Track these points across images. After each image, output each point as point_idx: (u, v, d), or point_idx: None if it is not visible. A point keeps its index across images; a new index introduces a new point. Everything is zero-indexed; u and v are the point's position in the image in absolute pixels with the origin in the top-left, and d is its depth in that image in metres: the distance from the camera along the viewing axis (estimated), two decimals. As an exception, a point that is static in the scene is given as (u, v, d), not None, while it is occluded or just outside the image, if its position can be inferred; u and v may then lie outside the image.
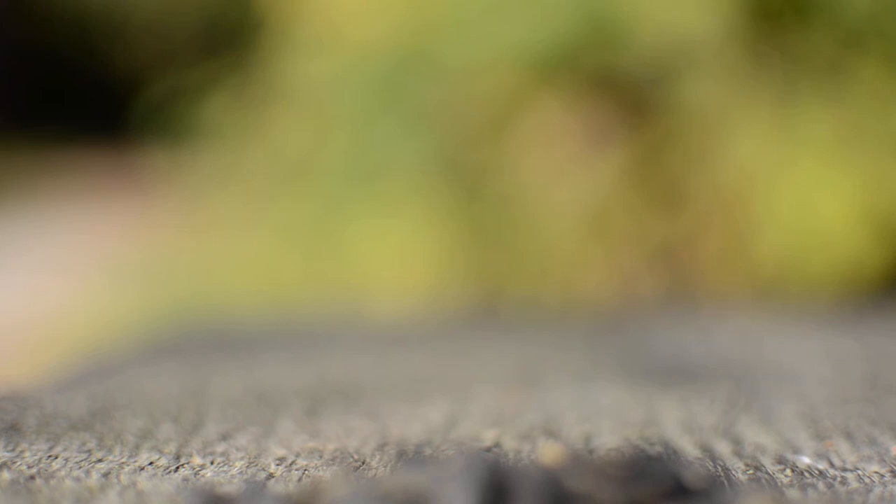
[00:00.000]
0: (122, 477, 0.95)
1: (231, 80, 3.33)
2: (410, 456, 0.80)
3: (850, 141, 2.52)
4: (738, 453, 1.02)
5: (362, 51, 2.84)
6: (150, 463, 0.99)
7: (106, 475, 0.95)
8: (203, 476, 0.96)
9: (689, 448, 0.99)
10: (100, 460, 1.00)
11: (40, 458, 1.00)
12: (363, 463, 1.00)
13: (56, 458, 1.00)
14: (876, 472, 0.95)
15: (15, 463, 0.98)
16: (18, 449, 1.03)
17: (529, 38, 2.60)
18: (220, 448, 1.05)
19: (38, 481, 0.93)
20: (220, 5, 4.91)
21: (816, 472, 0.96)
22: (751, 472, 0.96)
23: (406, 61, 2.76)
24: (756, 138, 2.55)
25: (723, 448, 1.03)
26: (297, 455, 1.03)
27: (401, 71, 2.77)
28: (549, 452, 0.79)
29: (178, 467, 0.98)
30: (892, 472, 0.95)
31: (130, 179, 4.66)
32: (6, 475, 0.94)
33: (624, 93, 2.61)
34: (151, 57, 4.97)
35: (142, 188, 4.28)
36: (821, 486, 0.92)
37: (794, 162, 2.52)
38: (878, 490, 0.90)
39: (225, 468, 0.98)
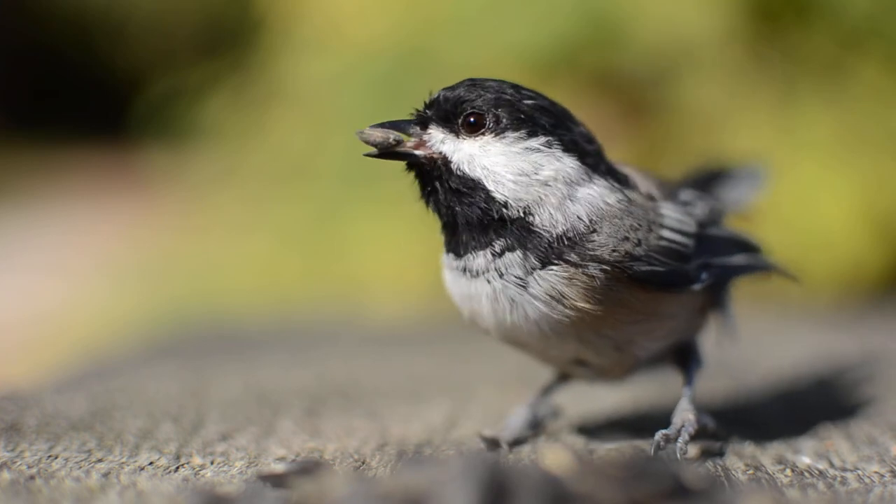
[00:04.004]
0: (122, 477, 0.95)
1: (231, 80, 3.32)
2: (410, 456, 0.80)
3: (850, 142, 2.52)
4: (739, 453, 1.02)
5: (362, 50, 2.84)
6: (150, 463, 0.99)
7: (106, 475, 0.95)
8: (203, 476, 0.96)
9: (689, 448, 0.99)
10: (100, 460, 1.00)
11: (40, 458, 1.00)
12: (363, 463, 1.00)
13: (56, 458, 1.00)
14: (876, 472, 0.95)
15: (15, 463, 0.98)
16: (18, 449, 1.03)
17: (529, 37, 2.60)
18: (220, 448, 1.05)
19: (38, 481, 0.93)
20: (220, 5, 4.91)
21: (816, 472, 0.96)
22: (751, 472, 0.96)
23: (406, 60, 2.76)
24: (756, 138, 2.54)
25: (723, 448, 1.03)
26: (297, 455, 1.03)
27: (400, 70, 2.77)
28: (549, 452, 0.79)
29: (178, 467, 0.98)
30: (892, 472, 0.95)
31: (131, 179, 4.65)
32: (6, 475, 0.94)
33: (624, 92, 2.61)
34: (151, 57, 4.96)
35: (142, 188, 4.27)
36: (821, 486, 0.92)
37: (794, 162, 2.51)
38: (878, 490, 0.90)
39: (225, 468, 0.98)
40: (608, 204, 0.97)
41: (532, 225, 0.95)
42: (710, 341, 1.11)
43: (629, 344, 1.00)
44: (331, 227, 2.85)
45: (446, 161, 0.97)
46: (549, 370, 1.11)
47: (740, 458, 1.00)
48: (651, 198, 1.01)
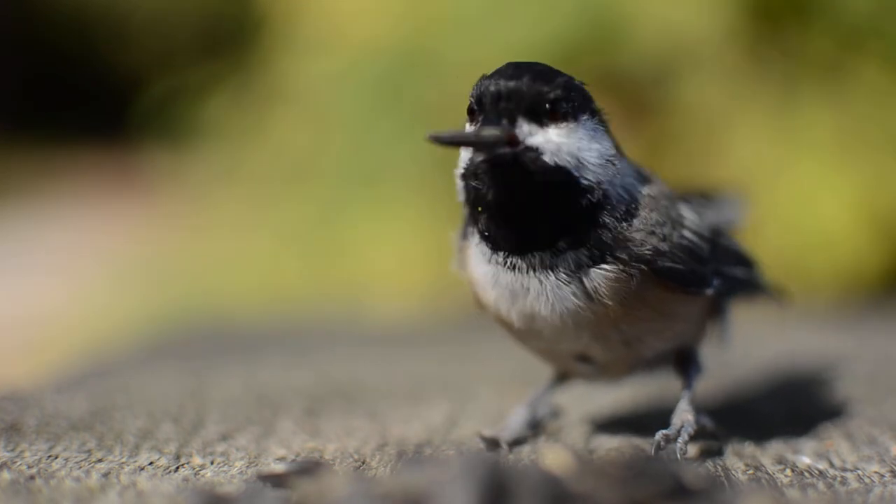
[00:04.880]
0: (122, 477, 0.95)
1: (232, 80, 3.33)
2: (410, 456, 0.80)
3: (850, 141, 2.52)
4: (739, 453, 1.02)
5: (362, 50, 2.84)
6: (150, 463, 0.99)
7: (106, 475, 0.95)
8: (203, 476, 0.96)
9: (689, 448, 0.99)
10: (100, 460, 1.00)
11: (40, 458, 1.00)
12: (363, 463, 1.00)
13: (56, 458, 1.00)
14: (876, 472, 0.95)
15: (15, 463, 0.98)
16: (18, 449, 1.03)
17: (529, 37, 2.60)
18: (220, 448, 1.05)
19: (38, 481, 0.93)
20: (220, 5, 4.91)
21: (816, 472, 0.96)
22: (751, 472, 0.96)
23: (406, 60, 2.76)
24: (756, 139, 2.54)
25: (723, 448, 1.03)
26: (297, 455, 1.03)
27: (401, 70, 2.77)
28: (549, 452, 0.79)
29: (178, 467, 0.98)
30: (892, 472, 0.95)
31: (131, 180, 4.66)
32: (6, 475, 0.94)
33: (624, 93, 2.61)
34: (152, 57, 4.97)
35: (143, 188, 4.28)
36: (821, 486, 0.92)
37: (794, 162, 2.51)
38: (878, 490, 0.90)
39: (225, 468, 0.98)
40: (643, 194, 0.97)
41: (604, 209, 0.94)
42: (707, 345, 1.11)
43: (638, 342, 0.99)
44: (331, 227, 2.85)
45: (539, 154, 0.92)
46: (549, 370, 1.11)
47: (740, 458, 1.00)
48: (669, 196, 1.01)
